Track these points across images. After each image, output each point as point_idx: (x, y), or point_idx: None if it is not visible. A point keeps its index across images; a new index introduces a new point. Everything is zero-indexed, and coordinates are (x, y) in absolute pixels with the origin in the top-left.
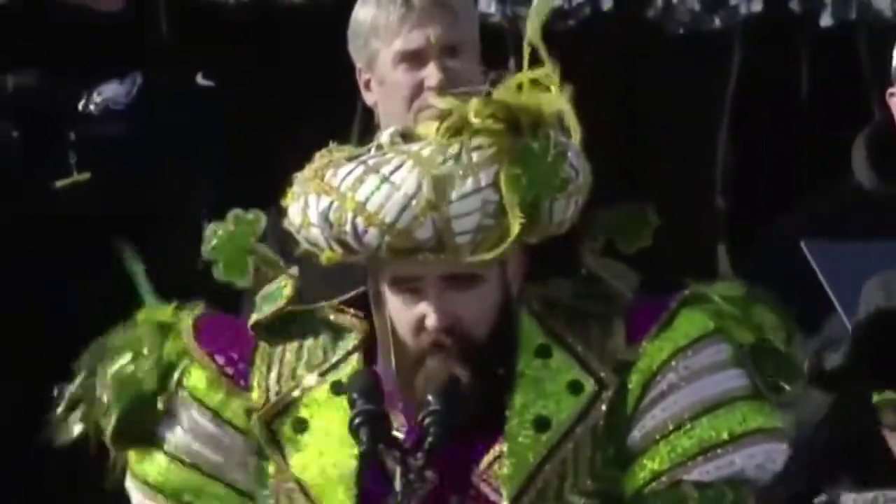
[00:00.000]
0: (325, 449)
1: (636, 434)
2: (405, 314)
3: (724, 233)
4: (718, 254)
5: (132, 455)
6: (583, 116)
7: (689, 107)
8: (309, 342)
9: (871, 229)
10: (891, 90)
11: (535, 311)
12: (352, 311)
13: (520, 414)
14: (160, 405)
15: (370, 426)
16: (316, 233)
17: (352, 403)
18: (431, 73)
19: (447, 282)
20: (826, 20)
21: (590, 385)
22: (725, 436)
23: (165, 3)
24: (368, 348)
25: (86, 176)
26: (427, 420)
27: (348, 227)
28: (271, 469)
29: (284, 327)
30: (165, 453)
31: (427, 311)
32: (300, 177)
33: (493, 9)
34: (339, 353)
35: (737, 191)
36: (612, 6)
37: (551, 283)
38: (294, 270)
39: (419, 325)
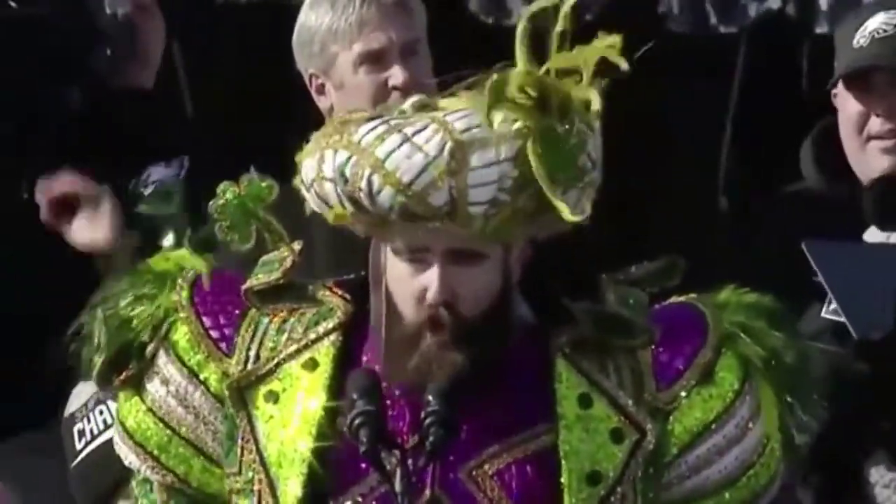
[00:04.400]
0: (289, 424)
1: (684, 486)
2: (406, 284)
3: (727, 234)
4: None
5: (121, 394)
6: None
7: (693, 108)
8: (294, 317)
9: (818, 229)
10: (834, 90)
11: (568, 354)
12: (340, 291)
13: (571, 462)
14: (148, 354)
15: (370, 427)
16: (329, 188)
17: (352, 404)
18: (396, 73)
19: (452, 256)
20: (823, 27)
21: (631, 434)
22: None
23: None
24: (348, 331)
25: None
26: (428, 420)
27: (363, 184)
28: (239, 439)
29: (276, 296)
30: (143, 402)
31: (429, 283)
32: (318, 133)
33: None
34: (319, 331)
35: (741, 192)
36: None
37: (575, 324)
38: (297, 245)
39: (420, 297)
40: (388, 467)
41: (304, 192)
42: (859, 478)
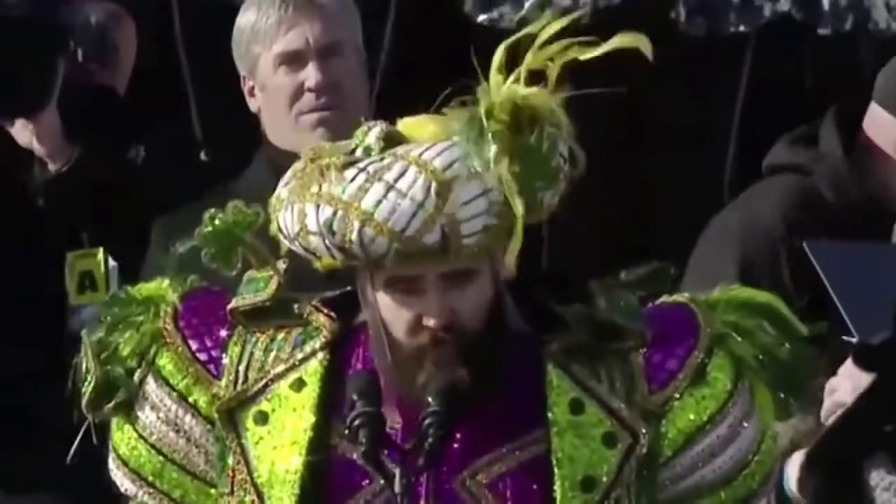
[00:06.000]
0: (279, 445)
1: (679, 487)
2: (401, 314)
3: None
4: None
5: (114, 421)
6: (591, 116)
7: (699, 108)
8: (281, 335)
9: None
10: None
11: (559, 360)
12: (325, 310)
13: (564, 469)
14: (136, 380)
15: (370, 428)
16: (316, 241)
17: (351, 405)
18: (311, 74)
19: (446, 279)
20: (825, 29)
21: (624, 438)
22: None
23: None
24: (334, 349)
25: None
26: (427, 421)
27: (355, 237)
28: (230, 460)
29: (263, 316)
30: (134, 430)
31: (426, 310)
32: (289, 185)
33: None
34: (307, 350)
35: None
36: (622, 4)
37: (566, 329)
38: (282, 265)
39: (416, 324)
40: (388, 468)
41: (286, 242)
42: (859, 481)
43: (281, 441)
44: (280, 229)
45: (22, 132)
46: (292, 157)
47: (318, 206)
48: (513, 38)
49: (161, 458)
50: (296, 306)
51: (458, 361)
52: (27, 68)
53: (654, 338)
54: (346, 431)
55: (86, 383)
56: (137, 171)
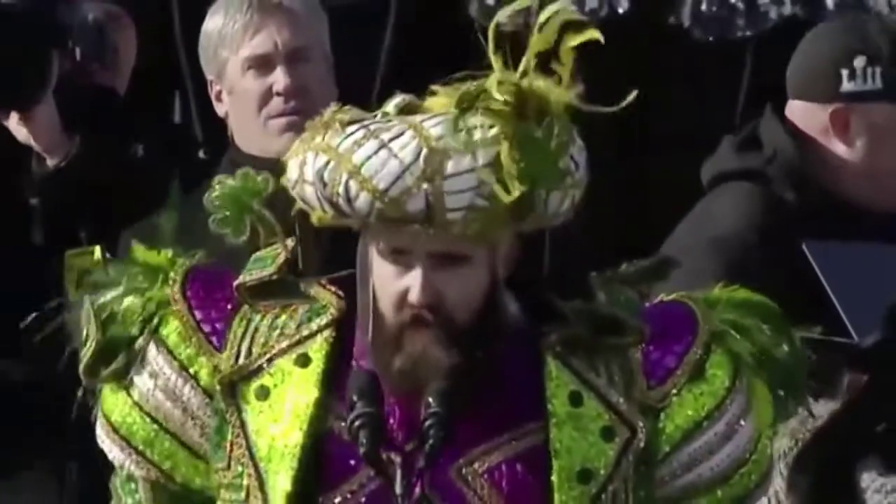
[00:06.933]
0: (279, 419)
1: (676, 484)
2: (390, 285)
3: None
4: None
5: (106, 388)
6: (593, 119)
7: (701, 110)
8: (286, 313)
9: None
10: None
11: (559, 353)
12: (333, 288)
13: (562, 460)
14: (137, 347)
15: (370, 428)
16: (310, 191)
17: (351, 405)
18: (279, 78)
19: (435, 259)
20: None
21: (622, 432)
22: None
23: None
24: (341, 327)
25: None
26: (428, 422)
27: (341, 189)
28: (229, 434)
29: (268, 293)
30: (130, 396)
31: (412, 286)
32: (304, 134)
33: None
34: (312, 327)
35: None
36: (629, 9)
37: (567, 325)
38: (291, 241)
39: (402, 298)
40: (389, 469)
41: (290, 191)
42: (851, 482)
43: (282, 416)
44: (288, 177)
45: (19, 128)
46: (259, 161)
47: (315, 155)
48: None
49: (155, 426)
50: (302, 285)
51: (438, 347)
52: (22, 61)
53: (652, 334)
54: (347, 432)
55: (85, 348)
56: (137, 169)
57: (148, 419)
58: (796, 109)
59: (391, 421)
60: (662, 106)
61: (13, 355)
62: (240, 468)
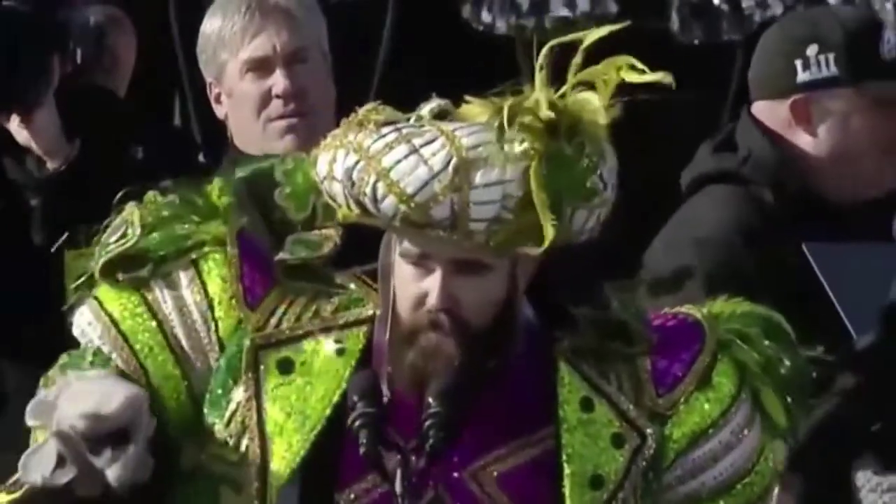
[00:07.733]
0: (300, 397)
1: (680, 490)
2: (410, 287)
3: None
4: None
5: (103, 283)
6: None
7: (691, 113)
8: (323, 297)
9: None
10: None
11: (570, 359)
12: (371, 282)
13: (574, 465)
14: (167, 268)
15: (370, 428)
16: (338, 188)
17: (352, 406)
18: (278, 80)
19: (456, 265)
20: None
21: (632, 439)
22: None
23: None
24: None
25: None
26: (428, 423)
27: (368, 190)
28: (238, 394)
29: (306, 276)
30: (143, 299)
31: (431, 289)
32: (337, 130)
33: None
34: (350, 317)
35: None
36: (617, 13)
37: (578, 331)
38: (339, 231)
39: (420, 301)
40: (389, 469)
41: (319, 185)
42: (846, 481)
43: (302, 396)
44: (317, 171)
45: (20, 130)
46: None
47: (346, 153)
48: (557, 40)
49: (159, 337)
50: (337, 278)
51: (452, 345)
52: (22, 64)
53: (660, 344)
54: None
55: (113, 243)
56: (136, 171)
57: (153, 329)
58: (761, 109)
59: (402, 424)
60: (652, 106)
61: (13, 355)
62: (240, 429)
